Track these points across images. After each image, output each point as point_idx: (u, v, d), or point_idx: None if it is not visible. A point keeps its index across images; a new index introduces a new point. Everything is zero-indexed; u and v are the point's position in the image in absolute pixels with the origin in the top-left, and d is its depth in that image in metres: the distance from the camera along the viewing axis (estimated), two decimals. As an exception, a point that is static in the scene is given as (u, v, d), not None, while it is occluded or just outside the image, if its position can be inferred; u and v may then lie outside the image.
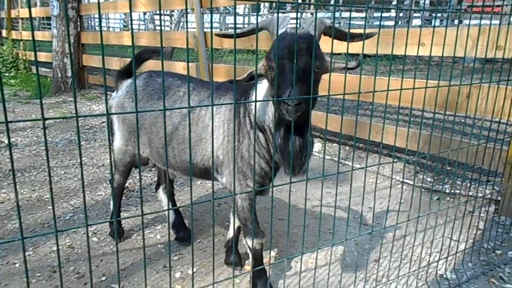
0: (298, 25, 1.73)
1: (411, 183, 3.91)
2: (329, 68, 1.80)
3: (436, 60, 11.67)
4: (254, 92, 2.09)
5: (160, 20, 1.21)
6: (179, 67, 6.22)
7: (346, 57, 2.01)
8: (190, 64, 6.14)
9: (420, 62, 10.53)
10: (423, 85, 3.45)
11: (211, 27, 1.34)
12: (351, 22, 10.23)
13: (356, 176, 4.15)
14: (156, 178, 3.31)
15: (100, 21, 1.12)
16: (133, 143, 2.61)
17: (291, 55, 1.67)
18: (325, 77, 1.84)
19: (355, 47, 3.86)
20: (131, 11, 1.17)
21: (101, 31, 1.10)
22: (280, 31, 1.78)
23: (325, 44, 1.88)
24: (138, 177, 4.08)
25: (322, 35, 1.88)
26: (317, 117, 4.88)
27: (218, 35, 2.00)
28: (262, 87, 2.06)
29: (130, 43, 7.31)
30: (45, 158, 4.50)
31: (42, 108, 1.01)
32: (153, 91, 2.51)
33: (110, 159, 1.21)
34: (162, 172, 2.97)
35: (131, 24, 1.41)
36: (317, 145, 4.99)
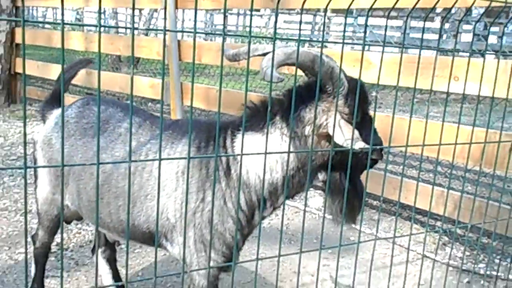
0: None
1: (436, 258, 3.74)
2: None
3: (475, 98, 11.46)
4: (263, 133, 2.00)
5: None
6: (144, 84, 6.00)
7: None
8: (157, 81, 5.96)
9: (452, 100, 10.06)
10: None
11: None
12: (373, 31, 10.21)
13: (363, 246, 3.96)
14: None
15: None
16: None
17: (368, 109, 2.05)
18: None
19: (370, 76, 3.72)
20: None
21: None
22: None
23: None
24: (74, 231, 3.86)
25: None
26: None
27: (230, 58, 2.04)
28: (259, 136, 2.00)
29: (80, 47, 7.08)
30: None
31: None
32: (87, 125, 2.45)
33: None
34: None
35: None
36: (317, 199, 4.84)
